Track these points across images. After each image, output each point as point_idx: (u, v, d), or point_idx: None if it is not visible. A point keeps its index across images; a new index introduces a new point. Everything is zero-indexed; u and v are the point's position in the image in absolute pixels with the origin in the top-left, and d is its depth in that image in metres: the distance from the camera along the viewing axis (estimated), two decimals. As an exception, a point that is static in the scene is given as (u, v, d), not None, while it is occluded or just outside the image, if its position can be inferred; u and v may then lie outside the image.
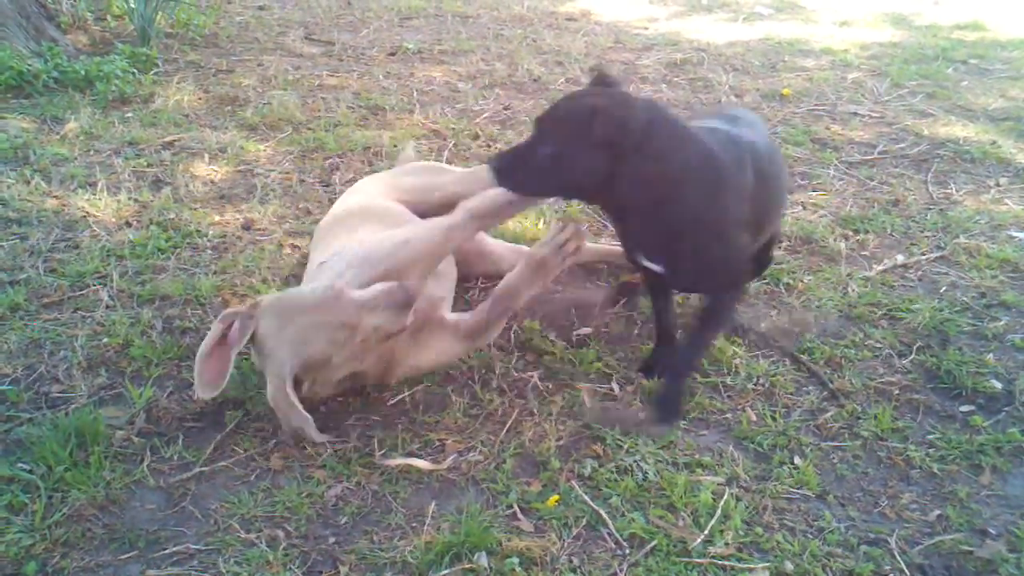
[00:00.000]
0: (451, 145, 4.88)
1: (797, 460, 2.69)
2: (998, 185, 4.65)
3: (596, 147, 2.51)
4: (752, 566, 2.31)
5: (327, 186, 4.35)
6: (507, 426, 2.78)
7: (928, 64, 6.82)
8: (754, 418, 2.88)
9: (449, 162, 4.64)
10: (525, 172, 2.64)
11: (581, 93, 2.73)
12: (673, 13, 8.43)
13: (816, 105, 5.78)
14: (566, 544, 2.36)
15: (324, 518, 2.42)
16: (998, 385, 3.07)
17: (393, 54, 6.71)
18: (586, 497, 2.50)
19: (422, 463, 2.60)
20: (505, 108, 5.57)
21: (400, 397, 2.89)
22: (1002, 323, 3.40)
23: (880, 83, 6.29)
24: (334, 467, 2.58)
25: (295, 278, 3.46)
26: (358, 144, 4.80)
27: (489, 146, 4.92)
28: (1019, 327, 3.40)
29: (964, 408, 2.97)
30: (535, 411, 2.85)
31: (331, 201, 4.13)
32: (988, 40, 7.68)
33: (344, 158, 4.66)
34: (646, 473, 2.59)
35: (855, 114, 5.64)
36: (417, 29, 7.50)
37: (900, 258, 3.88)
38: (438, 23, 7.74)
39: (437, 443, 2.70)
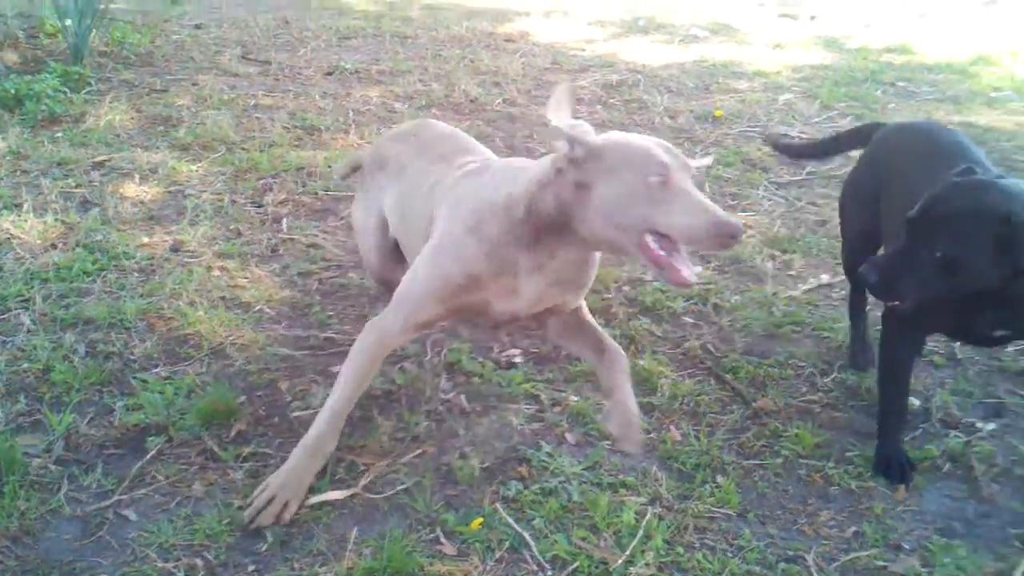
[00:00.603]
0: (385, 166, 4.87)
1: (719, 479, 2.73)
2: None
3: (1002, 252, 2.37)
4: (672, 586, 2.34)
5: (259, 207, 4.34)
6: (433, 449, 2.78)
7: (857, 86, 6.96)
8: (678, 437, 2.91)
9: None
10: (912, 279, 2.48)
11: (958, 189, 2.50)
12: (610, 35, 8.52)
13: (748, 127, 5.88)
14: (488, 567, 2.36)
15: (244, 545, 2.39)
16: (916, 402, 3.14)
17: (330, 74, 6.72)
18: (510, 520, 2.51)
19: (336, 494, 2.58)
20: (442, 129, 5.58)
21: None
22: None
23: (810, 105, 6.42)
24: (252, 492, 2.55)
25: (223, 299, 3.45)
26: (292, 164, 4.79)
27: (424, 167, 4.92)
28: (939, 346, 3.47)
29: (883, 426, 3.03)
30: (461, 433, 2.86)
31: (263, 222, 4.13)
32: (915, 63, 7.85)
33: (277, 179, 4.65)
34: (571, 494, 2.61)
35: (786, 135, 5.73)
36: (355, 49, 7.51)
37: (825, 278, 3.96)
38: (376, 43, 7.75)
39: (362, 467, 2.69)
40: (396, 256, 3.14)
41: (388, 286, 3.04)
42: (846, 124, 5.99)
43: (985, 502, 2.72)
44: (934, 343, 3.46)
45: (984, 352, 3.44)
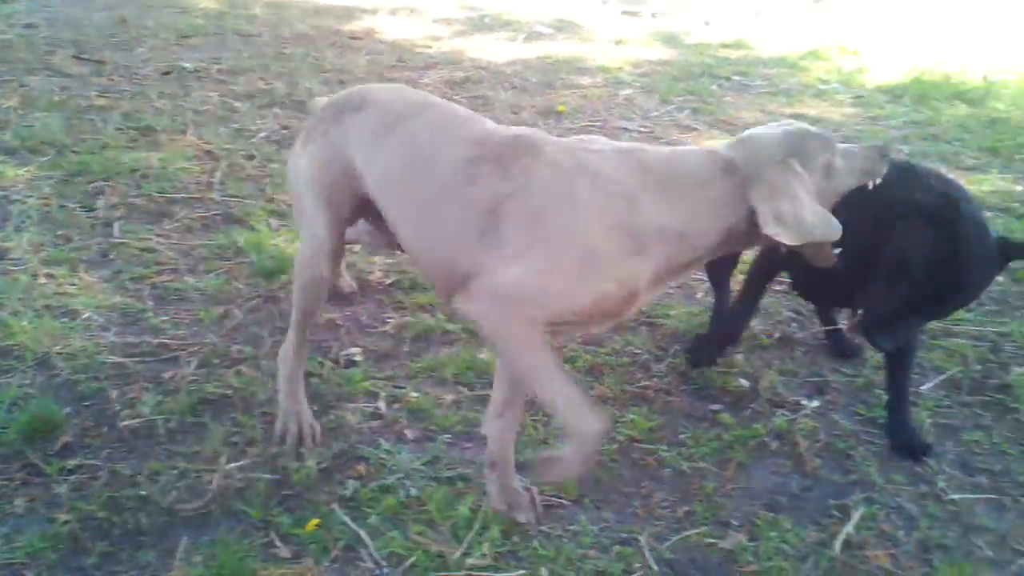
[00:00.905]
0: (224, 166, 4.78)
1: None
2: (754, 195, 4.92)
3: None
4: (508, 575, 2.36)
5: (90, 211, 4.19)
6: (268, 452, 2.74)
7: (695, 81, 7.17)
8: (518, 428, 2.94)
9: (221, 184, 4.55)
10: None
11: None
12: (456, 32, 8.55)
13: (589, 122, 5.99)
14: (324, 568, 2.34)
15: (69, 562, 2.31)
16: (745, 383, 3.26)
17: (168, 73, 6.53)
18: (346, 519, 2.49)
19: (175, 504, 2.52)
20: (283, 127, 5.51)
21: (151, 425, 2.81)
22: (751, 324, 3.60)
23: (650, 99, 6.58)
24: (78, 506, 2.46)
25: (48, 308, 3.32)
26: (125, 167, 4.64)
27: (264, 166, 4.84)
28: (768, 327, 3.61)
29: (714, 407, 3.14)
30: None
31: (93, 227, 4.00)
32: (751, 57, 8.14)
33: (110, 182, 4.49)
34: (408, 490, 2.61)
35: (625, 129, 5.86)
36: (195, 48, 7.33)
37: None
38: (218, 42, 7.58)
39: (194, 474, 2.63)
40: (352, 219, 2.85)
41: (330, 256, 2.74)
42: (684, 118, 6.17)
43: (808, 476, 2.84)
44: (761, 326, 3.60)
45: (809, 333, 3.59)
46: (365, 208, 2.72)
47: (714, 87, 7.04)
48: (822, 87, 7.30)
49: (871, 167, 2.54)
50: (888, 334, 2.70)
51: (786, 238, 2.30)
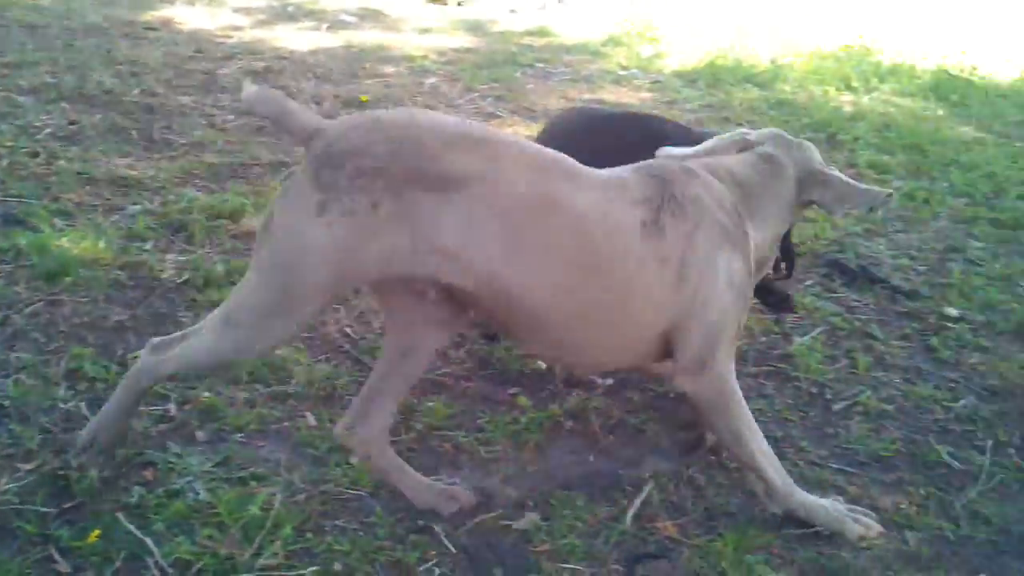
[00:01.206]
0: (5, 164, 4.53)
1: (352, 460, 2.75)
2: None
3: None
4: (301, 572, 2.33)
5: None
6: (48, 464, 2.61)
7: (499, 68, 7.25)
8: (313, 423, 2.91)
9: (2, 183, 4.32)
10: None
11: None
12: (257, 21, 8.37)
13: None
14: (106, 579, 2.26)
15: None
16: (542, 365, 3.32)
17: (-59, 68, 6.15)
18: (131, 527, 2.40)
19: None
20: (71, 123, 5.26)
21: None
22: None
23: (454, 88, 6.61)
24: None
25: None
26: None
27: (50, 164, 4.62)
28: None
29: (512, 390, 3.18)
30: (71, 444, 2.69)
31: None
32: (554, 45, 8.30)
33: None
34: (197, 493, 2.54)
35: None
36: (-26, 41, 6.92)
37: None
38: (1, 34, 7.17)
39: (-33, 490, 2.50)
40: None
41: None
42: (487, 105, 6.22)
43: (602, 453, 2.92)
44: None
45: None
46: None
47: (518, 75, 7.14)
48: (622, 73, 7.51)
49: None
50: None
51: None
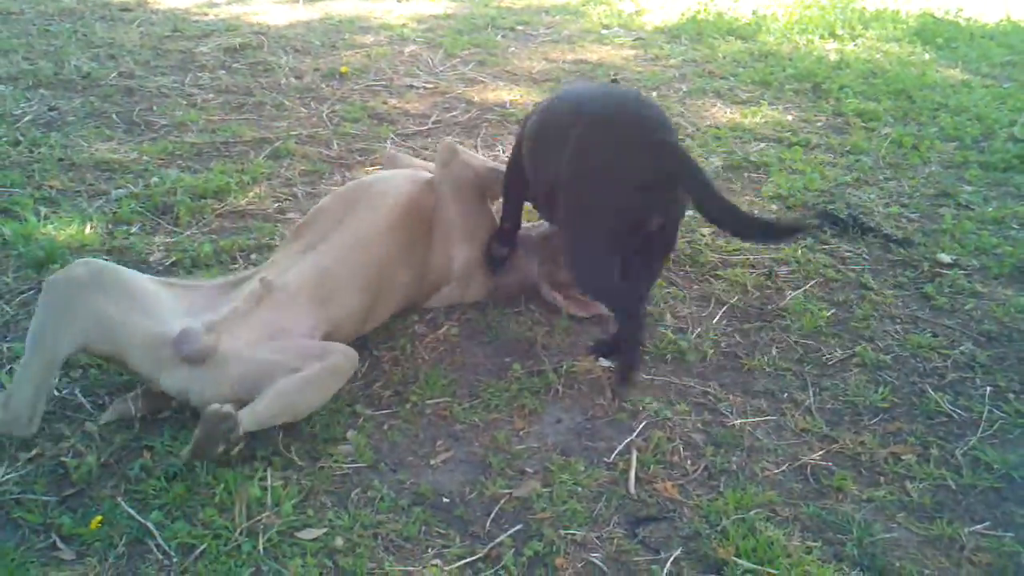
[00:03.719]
0: (-15, 154, 4.49)
1: (350, 434, 2.74)
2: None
3: None
4: (304, 548, 2.32)
5: None
6: (42, 451, 2.60)
7: (479, 33, 7.17)
8: (310, 400, 2.89)
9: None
10: None
11: None
12: (233, -2, 8.27)
13: (374, 81, 5.91)
14: (109, 565, 2.25)
15: None
16: (539, 331, 3.31)
17: (-86, 60, 6.07)
18: (132, 511, 2.40)
19: None
20: (51, 109, 5.21)
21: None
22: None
23: (435, 55, 6.54)
24: None
25: None
26: None
27: (31, 151, 4.57)
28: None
29: (507, 358, 3.16)
30: (67, 432, 2.69)
31: None
32: (534, 6, 8.21)
33: None
34: (197, 475, 2.53)
35: (411, 87, 5.82)
36: (-52, 30, 6.83)
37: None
38: (-26, 22, 7.09)
39: (-41, 481, 2.49)
40: None
41: None
42: (469, 71, 6.16)
43: (596, 418, 2.91)
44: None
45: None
46: None
47: (499, 38, 7.07)
48: (603, 31, 7.44)
49: None
50: None
51: None
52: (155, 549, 2.31)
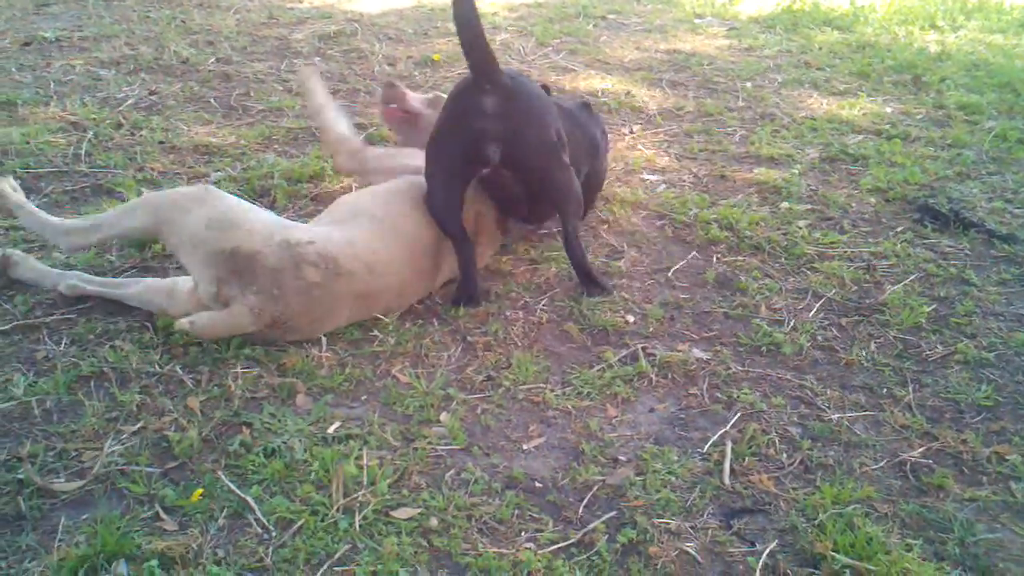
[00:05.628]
0: (91, 136, 4.61)
1: (443, 417, 2.76)
2: (632, 132, 4.95)
3: None
4: (399, 527, 2.34)
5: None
6: (150, 425, 2.67)
7: (570, 22, 7.15)
8: (404, 380, 2.92)
9: (88, 155, 4.39)
10: None
11: None
12: (328, -15, 8.37)
13: (465, 69, 5.90)
14: (210, 537, 2.30)
15: (-59, 551, 2.23)
16: (631, 319, 3.29)
17: (28, 44, 6.25)
18: (232, 486, 2.45)
19: (61, 486, 2.44)
20: (151, 93, 5.33)
21: (26, 407, 2.71)
22: (628, 258, 3.65)
23: (526, 43, 6.54)
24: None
25: None
26: (-16, 144, 4.45)
27: (133, 134, 4.69)
28: (647, 262, 3.65)
29: (599, 345, 3.16)
30: (170, 407, 2.75)
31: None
32: (626, -5, 8.15)
33: (-32, 160, 4.30)
34: (294, 452, 2.57)
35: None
36: (55, 16, 7.02)
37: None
38: (79, 8, 7.28)
39: (72, 454, 2.56)
40: None
41: None
42: (560, 59, 6.15)
43: (690, 408, 2.88)
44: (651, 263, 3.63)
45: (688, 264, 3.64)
46: None
47: (590, 27, 7.04)
48: (696, 21, 7.37)
49: None
50: None
51: None
52: (254, 523, 2.35)
